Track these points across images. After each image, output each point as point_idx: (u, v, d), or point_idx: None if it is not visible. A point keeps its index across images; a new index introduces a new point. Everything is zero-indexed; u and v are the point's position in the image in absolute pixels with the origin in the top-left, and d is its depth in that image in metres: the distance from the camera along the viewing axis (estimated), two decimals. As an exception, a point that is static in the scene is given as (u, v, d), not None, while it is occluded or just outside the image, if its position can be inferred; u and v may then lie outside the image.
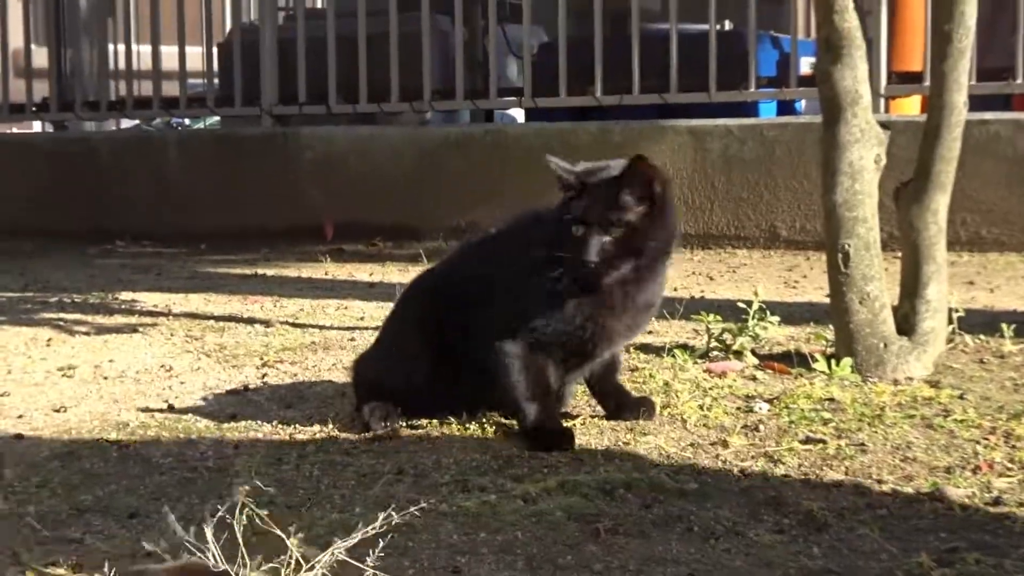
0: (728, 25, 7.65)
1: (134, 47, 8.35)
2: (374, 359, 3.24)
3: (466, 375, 3.05)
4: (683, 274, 5.59)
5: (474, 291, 3.06)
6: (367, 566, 2.02)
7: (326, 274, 5.97)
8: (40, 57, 8.66)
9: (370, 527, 2.08)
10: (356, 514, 2.42)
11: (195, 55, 8.43)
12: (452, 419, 3.12)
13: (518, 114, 8.68)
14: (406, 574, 2.17)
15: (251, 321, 4.59)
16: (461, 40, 7.40)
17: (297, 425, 3.17)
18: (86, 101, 8.53)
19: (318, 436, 3.07)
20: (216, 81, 8.51)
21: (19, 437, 3.17)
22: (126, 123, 9.75)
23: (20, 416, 3.37)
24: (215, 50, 8.53)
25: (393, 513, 2.11)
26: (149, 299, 5.16)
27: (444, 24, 7.74)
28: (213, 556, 2.01)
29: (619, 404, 3.11)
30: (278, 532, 2.02)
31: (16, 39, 8.58)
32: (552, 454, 2.83)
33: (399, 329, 3.23)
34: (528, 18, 7.23)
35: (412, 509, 2.30)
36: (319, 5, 9.88)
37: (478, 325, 3.02)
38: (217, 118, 9.28)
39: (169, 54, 8.07)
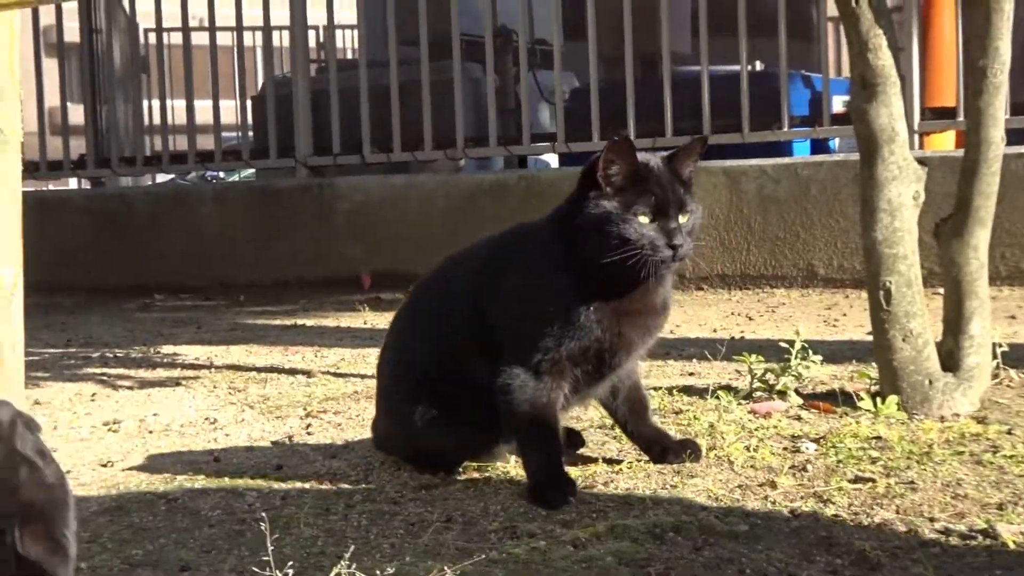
0: (759, 66, 7.67)
1: (168, 102, 8.44)
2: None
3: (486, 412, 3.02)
4: (722, 315, 5.58)
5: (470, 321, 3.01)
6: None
7: (365, 323, 5.99)
8: (76, 114, 8.75)
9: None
10: (407, 563, 2.43)
11: (228, 108, 8.50)
12: (499, 463, 3.12)
13: (552, 159, 8.71)
14: (460, 622, 2.17)
15: (293, 372, 4.61)
16: (493, 87, 7.44)
17: (343, 474, 3.17)
18: (122, 157, 8.61)
19: (364, 485, 3.07)
20: (251, 134, 8.57)
21: (67, 493, 3.18)
22: (160, 177, 9.83)
23: (67, 471, 3.37)
24: (249, 103, 8.59)
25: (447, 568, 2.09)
26: (190, 352, 5.19)
27: (475, 72, 7.79)
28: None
29: (664, 448, 3.09)
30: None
31: (52, 97, 8.68)
32: (570, 501, 2.80)
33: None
34: (559, 64, 7.27)
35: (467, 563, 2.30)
36: (351, 56, 9.95)
37: (479, 356, 2.97)
38: (251, 170, 9.34)
39: (203, 108, 8.14)
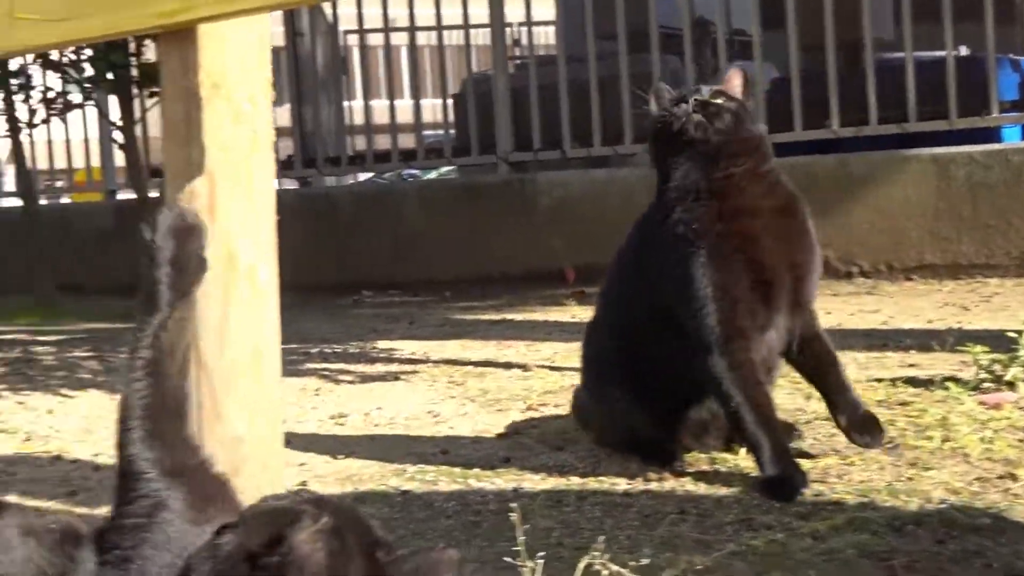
0: (964, 50, 7.51)
1: (370, 102, 8.60)
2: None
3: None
4: (935, 305, 5.49)
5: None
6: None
7: (573, 317, 6.02)
8: (282, 116, 8.97)
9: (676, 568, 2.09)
10: (646, 554, 2.45)
11: (428, 107, 8.63)
12: (726, 454, 3.13)
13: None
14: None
15: (509, 366, 4.67)
16: (692, 79, 7.42)
17: (571, 467, 3.21)
18: (327, 157, 8.80)
19: (593, 477, 3.11)
20: (452, 131, 8.70)
21: (303, 484, 3.28)
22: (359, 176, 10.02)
23: (302, 464, 3.49)
24: (450, 101, 8.71)
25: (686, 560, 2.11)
26: (406, 347, 5.29)
27: (674, 64, 7.77)
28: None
29: (850, 421, 3.04)
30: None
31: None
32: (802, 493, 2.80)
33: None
34: (759, 54, 7.21)
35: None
36: (549, 52, 10.02)
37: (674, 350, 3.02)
38: (446, 168, 9.47)
39: (403, 108, 8.29)
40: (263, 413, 1.98)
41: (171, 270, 1.80)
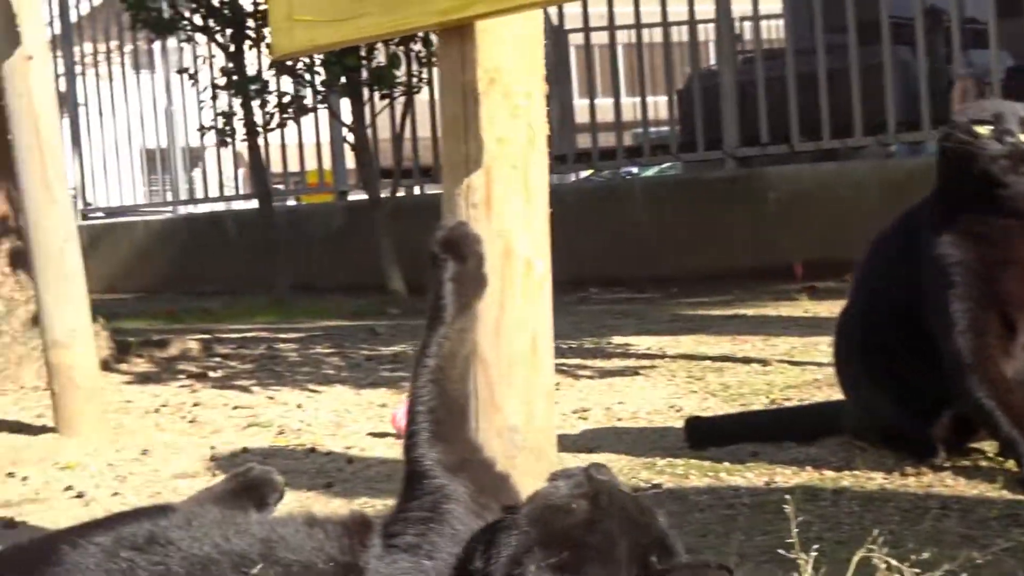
0: None
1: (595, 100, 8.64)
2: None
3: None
4: None
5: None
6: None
7: (805, 312, 5.96)
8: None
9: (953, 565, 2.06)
10: (909, 549, 2.41)
11: (651, 104, 8.63)
12: (985, 447, 3.07)
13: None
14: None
15: (747, 360, 4.65)
16: (924, 69, 7.27)
17: (824, 461, 3.18)
18: (553, 155, 8.86)
19: (848, 472, 3.07)
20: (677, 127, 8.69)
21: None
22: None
23: (550, 458, 3.52)
24: (675, 97, 8.70)
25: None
26: (640, 342, 5.30)
27: (905, 54, 7.63)
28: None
29: None
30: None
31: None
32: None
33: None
34: (995, 42, 7.03)
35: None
36: (776, 46, 9.94)
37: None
38: (667, 164, 9.45)
39: (627, 104, 8.31)
40: (538, 403, 2.01)
41: (454, 285, 1.87)
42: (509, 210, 1.96)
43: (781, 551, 2.17)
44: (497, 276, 1.94)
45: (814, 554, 2.10)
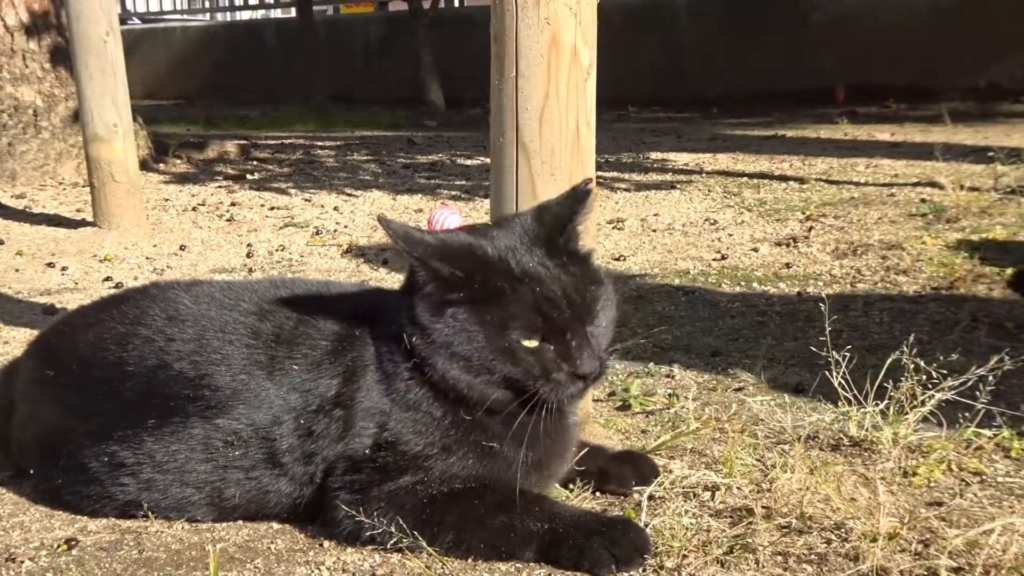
0: None
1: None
2: None
3: None
4: None
5: None
6: (979, 403, 2.03)
7: (845, 135, 5.93)
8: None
9: (979, 370, 2.08)
10: (938, 359, 2.43)
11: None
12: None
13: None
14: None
15: (784, 179, 4.63)
16: None
17: (856, 274, 3.19)
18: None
19: (879, 285, 3.09)
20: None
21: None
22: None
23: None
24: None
25: (1006, 358, 2.08)
26: (678, 159, 5.29)
27: None
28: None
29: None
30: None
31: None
32: None
33: None
34: None
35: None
36: None
37: None
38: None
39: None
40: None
41: None
42: (557, -2, 1.94)
43: (813, 348, 2.19)
44: (543, 64, 1.94)
45: (847, 354, 2.13)
